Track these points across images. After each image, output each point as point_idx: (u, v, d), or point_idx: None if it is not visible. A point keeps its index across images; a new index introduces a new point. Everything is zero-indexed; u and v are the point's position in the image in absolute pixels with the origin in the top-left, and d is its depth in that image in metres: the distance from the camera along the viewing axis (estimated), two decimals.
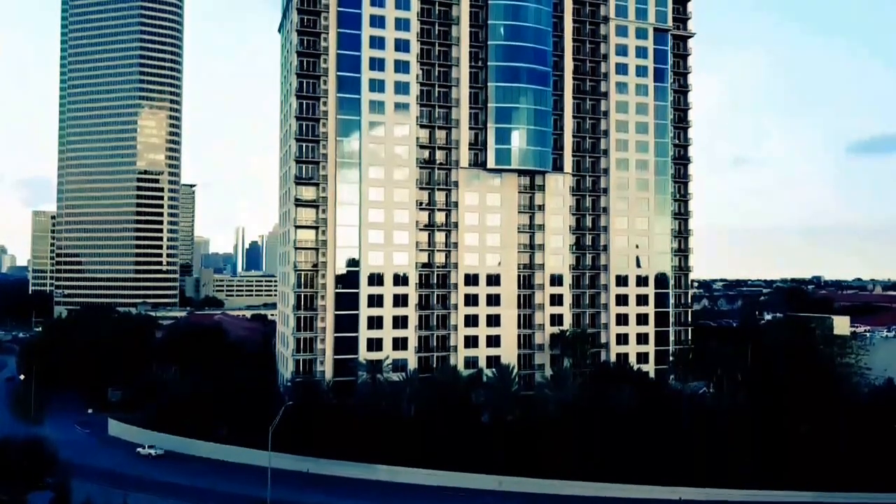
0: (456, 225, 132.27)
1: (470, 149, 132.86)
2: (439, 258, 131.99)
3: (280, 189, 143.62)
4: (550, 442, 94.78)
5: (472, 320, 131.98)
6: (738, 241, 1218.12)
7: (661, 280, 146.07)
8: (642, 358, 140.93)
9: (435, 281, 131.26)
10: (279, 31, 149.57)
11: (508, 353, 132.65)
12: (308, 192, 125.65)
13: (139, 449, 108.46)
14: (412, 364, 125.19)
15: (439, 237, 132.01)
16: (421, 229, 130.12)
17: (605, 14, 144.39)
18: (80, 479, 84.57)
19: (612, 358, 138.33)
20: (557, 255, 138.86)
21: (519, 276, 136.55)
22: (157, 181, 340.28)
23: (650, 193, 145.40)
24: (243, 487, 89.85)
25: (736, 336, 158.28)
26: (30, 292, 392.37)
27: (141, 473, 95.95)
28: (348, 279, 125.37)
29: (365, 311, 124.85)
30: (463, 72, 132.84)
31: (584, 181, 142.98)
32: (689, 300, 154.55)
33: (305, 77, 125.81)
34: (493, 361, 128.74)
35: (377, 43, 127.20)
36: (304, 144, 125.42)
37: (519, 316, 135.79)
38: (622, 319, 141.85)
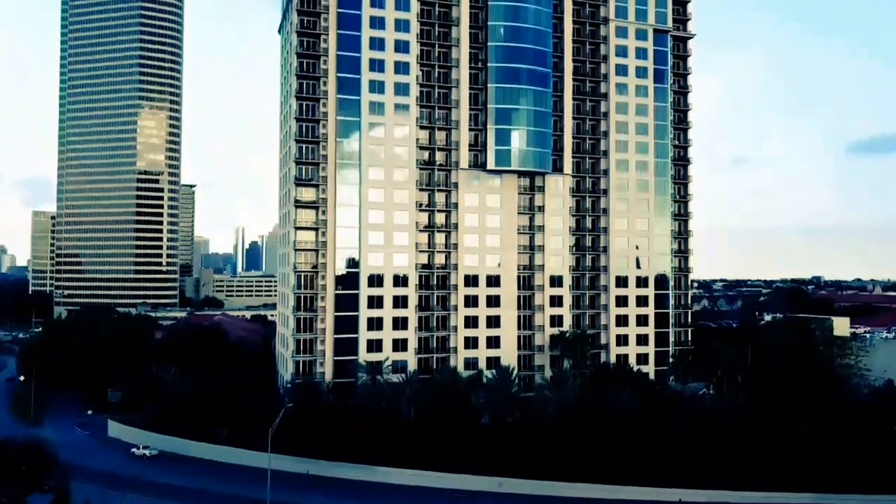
0: (456, 226, 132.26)
1: (470, 150, 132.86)
2: (439, 259, 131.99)
3: (280, 190, 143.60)
4: (550, 443, 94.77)
5: (471, 321, 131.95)
6: (738, 241, 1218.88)
7: (660, 281, 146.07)
8: (642, 359, 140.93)
9: (435, 282, 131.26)
10: (279, 32, 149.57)
11: (508, 354, 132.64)
12: (308, 194, 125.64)
13: (133, 450, 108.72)
14: (412, 365, 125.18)
15: (439, 238, 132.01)
16: (421, 230, 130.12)
17: (604, 15, 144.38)
18: (80, 480, 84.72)
19: (612, 359, 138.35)
20: (557, 257, 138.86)
21: (519, 277, 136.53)
22: (157, 181, 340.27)
23: (650, 194, 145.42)
24: (243, 489, 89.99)
25: (736, 337, 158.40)
26: (30, 292, 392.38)
27: (141, 475, 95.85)
28: (348, 280, 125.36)
29: (365, 313, 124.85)
30: (463, 73, 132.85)
31: (584, 182, 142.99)
32: (689, 301, 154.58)
33: (305, 78, 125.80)
34: (493, 363, 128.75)
35: (377, 44, 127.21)
36: (304, 146, 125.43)
37: (519, 317, 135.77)
38: (622, 321, 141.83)
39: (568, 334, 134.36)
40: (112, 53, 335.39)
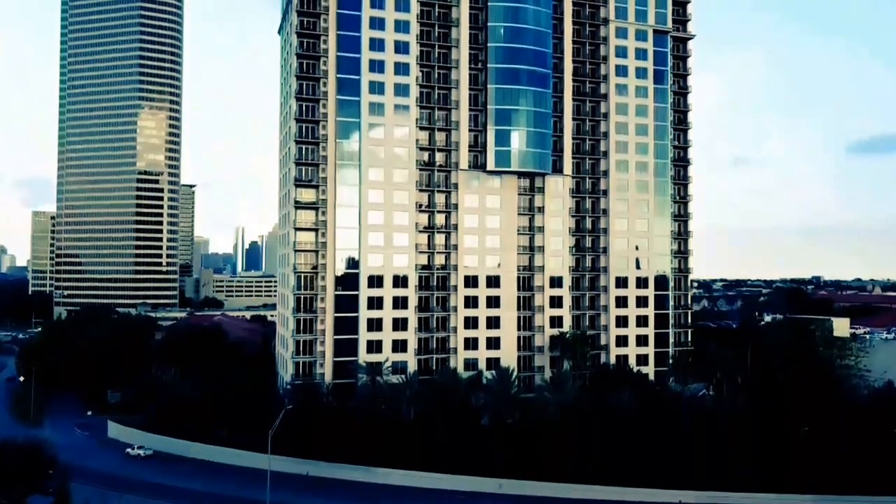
0: (455, 227, 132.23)
1: (470, 151, 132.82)
2: (439, 260, 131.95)
3: (280, 191, 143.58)
4: (550, 445, 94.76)
5: (471, 322, 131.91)
6: (738, 241, 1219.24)
7: (660, 282, 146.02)
8: (642, 360, 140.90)
9: (435, 283, 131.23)
10: (279, 32, 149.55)
11: (508, 355, 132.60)
12: (308, 195, 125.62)
13: (128, 450, 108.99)
14: (412, 366, 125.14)
15: (439, 239, 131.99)
16: (420, 231, 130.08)
17: (604, 16, 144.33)
18: (79, 481, 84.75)
19: (612, 360, 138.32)
20: (557, 257, 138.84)
21: (518, 278, 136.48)
22: (156, 181, 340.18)
23: (650, 195, 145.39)
24: (243, 490, 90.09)
25: (736, 338, 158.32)
26: (29, 293, 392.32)
27: (141, 477, 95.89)
28: (348, 281, 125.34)
29: (364, 314, 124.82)
30: (463, 74, 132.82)
31: (584, 183, 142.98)
32: (689, 302, 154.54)
33: (305, 79, 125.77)
34: (493, 363, 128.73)
35: (377, 45, 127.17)
36: (303, 146, 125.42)
37: (519, 318, 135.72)
38: (622, 321, 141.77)
39: (568, 335, 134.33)
40: (112, 53, 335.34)
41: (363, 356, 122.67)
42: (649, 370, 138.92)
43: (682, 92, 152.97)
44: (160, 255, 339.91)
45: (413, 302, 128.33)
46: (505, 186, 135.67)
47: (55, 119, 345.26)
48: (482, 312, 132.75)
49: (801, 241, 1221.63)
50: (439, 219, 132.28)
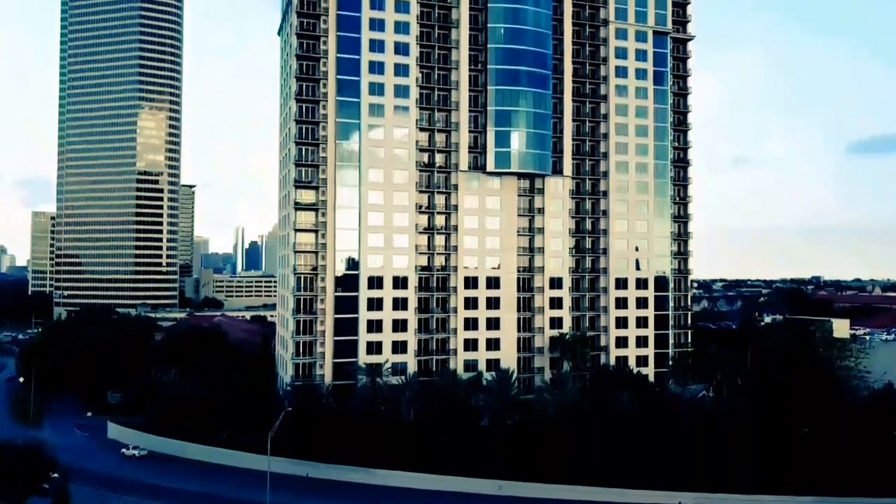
0: (455, 228, 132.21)
1: (469, 152, 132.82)
2: (439, 261, 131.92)
3: (280, 192, 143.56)
4: (550, 446, 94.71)
5: (471, 323, 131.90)
6: (738, 241, 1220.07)
7: (660, 283, 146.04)
8: (642, 361, 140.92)
9: (434, 284, 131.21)
10: (279, 34, 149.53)
11: (508, 356, 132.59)
12: (308, 196, 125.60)
13: (123, 450, 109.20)
14: (412, 367, 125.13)
15: (439, 240, 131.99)
16: (420, 232, 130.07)
17: (604, 17, 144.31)
18: (79, 482, 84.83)
19: (612, 361, 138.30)
20: (557, 258, 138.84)
21: (518, 279, 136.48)
22: (156, 182, 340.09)
23: (650, 196, 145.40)
24: (243, 492, 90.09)
25: (735, 339, 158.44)
26: (29, 293, 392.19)
27: (140, 478, 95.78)
28: (348, 282, 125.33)
29: (364, 315, 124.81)
30: (462, 75, 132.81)
31: (584, 184, 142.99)
32: (689, 303, 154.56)
33: (305, 80, 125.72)
34: (493, 365, 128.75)
35: (377, 46, 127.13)
36: (303, 148, 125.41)
37: (518, 319, 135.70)
38: (622, 322, 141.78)
39: (567, 336, 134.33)
40: (112, 53, 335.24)
41: (363, 357, 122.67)
42: (649, 371, 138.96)
43: (681, 93, 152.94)
44: (160, 256, 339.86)
45: (413, 303, 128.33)
46: (505, 188, 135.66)
47: (55, 119, 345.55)
48: (482, 314, 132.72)
49: (801, 241, 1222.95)
50: (439, 220, 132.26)
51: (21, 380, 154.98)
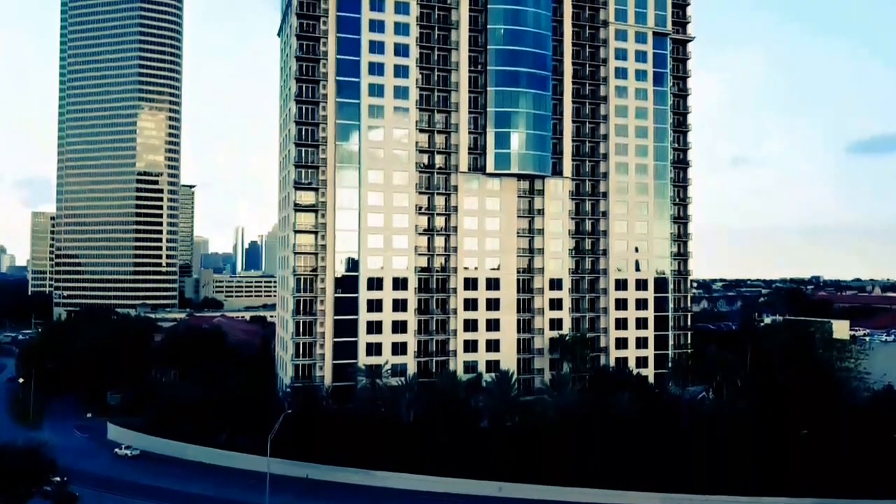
0: (455, 229, 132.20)
1: (469, 153, 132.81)
2: (438, 262, 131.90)
3: (279, 193, 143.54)
4: (550, 447, 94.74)
5: (471, 325, 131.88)
6: (738, 240, 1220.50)
7: (660, 284, 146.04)
8: (641, 362, 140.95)
9: (434, 285, 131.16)
10: (278, 35, 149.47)
11: (508, 357, 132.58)
12: (307, 197, 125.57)
13: (116, 450, 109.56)
14: (411, 369, 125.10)
15: (438, 241, 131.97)
16: (420, 233, 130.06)
17: (604, 18, 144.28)
18: (78, 484, 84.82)
19: (612, 362, 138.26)
20: (557, 260, 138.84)
21: (518, 280, 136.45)
22: (156, 182, 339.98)
23: (649, 197, 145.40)
24: (242, 493, 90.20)
25: (735, 340, 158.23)
26: (29, 293, 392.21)
27: (140, 480, 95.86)
28: (347, 284, 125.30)
29: (364, 316, 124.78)
30: (462, 76, 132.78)
31: (584, 185, 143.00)
32: (689, 304, 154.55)
33: (305, 82, 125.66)
34: (493, 366, 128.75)
35: (376, 47, 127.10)
36: (303, 149, 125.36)
37: (518, 320, 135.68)
38: (621, 323, 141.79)
39: (567, 337, 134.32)
40: (112, 54, 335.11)
41: (363, 359, 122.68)
42: (649, 372, 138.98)
43: (681, 94, 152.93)
44: (160, 256, 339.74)
45: (412, 304, 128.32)
46: (504, 189, 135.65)
47: (55, 119, 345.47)
48: (482, 315, 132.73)
49: (801, 241, 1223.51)
50: (439, 221, 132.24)
51: (21, 380, 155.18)
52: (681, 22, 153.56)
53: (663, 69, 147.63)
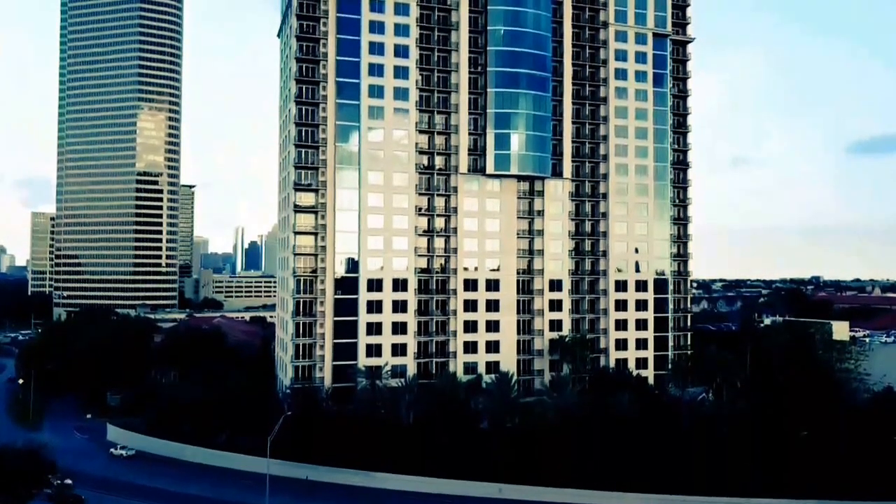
0: (455, 230, 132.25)
1: (469, 154, 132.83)
2: (438, 263, 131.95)
3: (279, 194, 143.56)
4: (550, 449, 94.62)
5: (471, 326, 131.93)
6: (738, 241, 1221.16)
7: (660, 285, 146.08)
8: (641, 363, 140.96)
9: (434, 286, 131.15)
10: (278, 35, 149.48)
11: (507, 358, 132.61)
12: (307, 198, 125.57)
13: (112, 450, 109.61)
14: (411, 370, 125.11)
15: (438, 243, 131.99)
16: (420, 235, 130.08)
17: (604, 19, 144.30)
18: (79, 486, 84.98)
19: (612, 363, 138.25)
20: (557, 261, 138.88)
21: (518, 281, 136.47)
22: (156, 182, 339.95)
23: (649, 198, 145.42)
24: (242, 494, 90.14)
25: (735, 341, 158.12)
26: (29, 293, 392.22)
27: (140, 481, 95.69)
28: (347, 285, 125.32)
29: (364, 317, 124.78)
30: (462, 77, 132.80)
31: (584, 186, 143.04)
32: (689, 305, 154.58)
33: (304, 83, 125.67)
34: (493, 367, 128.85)
35: (376, 49, 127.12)
36: (303, 150, 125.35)
37: (518, 321, 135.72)
38: (621, 325, 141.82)
39: (567, 339, 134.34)
40: (112, 53, 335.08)
41: (363, 360, 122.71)
42: (649, 374, 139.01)
43: (681, 95, 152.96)
44: (160, 256, 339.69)
45: (412, 306, 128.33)
46: (504, 190, 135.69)
47: (55, 119, 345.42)
48: (481, 316, 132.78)
49: (801, 241, 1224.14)
50: (439, 222, 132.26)
51: (20, 381, 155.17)
52: (681, 23, 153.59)
53: (663, 70, 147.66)
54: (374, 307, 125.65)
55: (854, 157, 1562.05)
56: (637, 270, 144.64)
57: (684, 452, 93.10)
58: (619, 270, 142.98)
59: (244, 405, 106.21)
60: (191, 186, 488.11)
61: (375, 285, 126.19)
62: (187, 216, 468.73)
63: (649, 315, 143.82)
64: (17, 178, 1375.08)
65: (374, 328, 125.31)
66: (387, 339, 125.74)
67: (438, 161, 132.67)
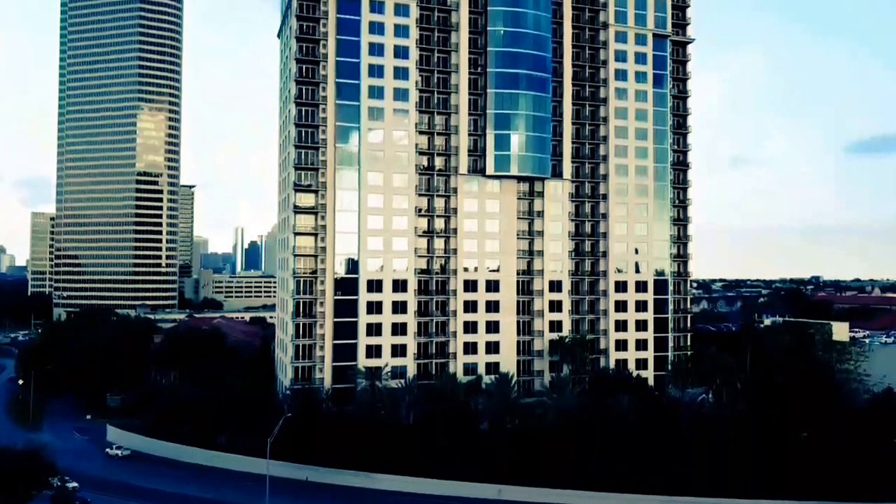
0: (455, 231, 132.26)
1: (469, 155, 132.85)
2: (438, 264, 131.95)
3: (279, 195, 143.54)
4: (550, 450, 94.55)
5: (471, 327, 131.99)
6: (738, 240, 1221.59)
7: (660, 286, 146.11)
8: (641, 364, 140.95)
9: (434, 287, 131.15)
10: (278, 36, 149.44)
11: (507, 359, 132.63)
12: (307, 199, 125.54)
13: (107, 450, 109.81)
14: (411, 371, 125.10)
15: (438, 243, 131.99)
16: (420, 236, 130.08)
17: (604, 20, 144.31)
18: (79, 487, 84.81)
19: (612, 364, 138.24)
20: (556, 261, 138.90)
21: (518, 282, 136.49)
22: (156, 182, 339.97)
23: (649, 199, 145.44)
24: (242, 496, 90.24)
25: (735, 341, 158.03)
26: (29, 294, 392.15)
27: (140, 483, 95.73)
28: (347, 286, 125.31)
29: (364, 318, 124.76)
30: (462, 78, 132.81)
31: (584, 187, 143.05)
32: (689, 305, 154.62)
33: (304, 84, 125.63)
34: (493, 368, 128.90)
35: (376, 50, 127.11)
36: (303, 151, 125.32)
37: (518, 322, 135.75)
38: (621, 325, 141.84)
39: (567, 339, 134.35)
40: (112, 54, 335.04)
41: (362, 361, 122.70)
42: (648, 374, 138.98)
43: (681, 96, 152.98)
44: (160, 256, 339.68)
45: (412, 306, 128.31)
46: (504, 191, 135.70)
47: (55, 119, 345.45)
48: (481, 317, 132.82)
49: (801, 241, 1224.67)
50: (438, 223, 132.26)
51: (20, 381, 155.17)
52: (681, 24, 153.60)
53: (663, 71, 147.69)
54: (374, 308, 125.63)
55: (854, 156, 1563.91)
56: (637, 271, 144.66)
57: (684, 453, 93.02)
58: (619, 271, 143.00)
59: (244, 406, 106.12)
60: (191, 186, 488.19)
61: (375, 286, 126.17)
62: (187, 216, 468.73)
63: (649, 316, 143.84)
64: (17, 178, 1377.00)
65: (374, 329, 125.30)
66: (387, 340, 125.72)
67: (438, 162, 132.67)
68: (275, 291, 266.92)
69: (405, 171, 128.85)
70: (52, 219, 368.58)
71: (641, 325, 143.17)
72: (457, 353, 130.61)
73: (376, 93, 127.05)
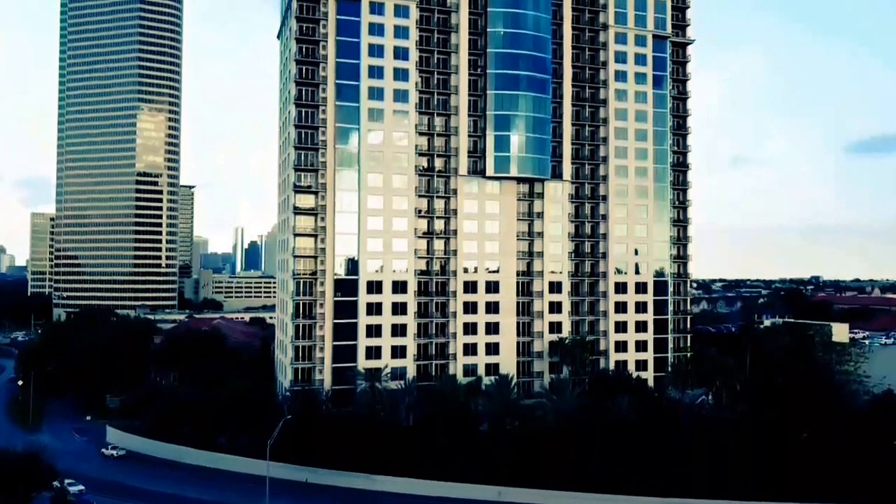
0: (455, 232, 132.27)
1: (469, 156, 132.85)
2: (438, 265, 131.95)
3: (279, 196, 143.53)
4: (550, 452, 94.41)
5: (470, 328, 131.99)
6: (738, 240, 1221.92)
7: (659, 287, 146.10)
8: (641, 365, 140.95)
9: (434, 289, 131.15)
10: (278, 37, 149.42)
11: (507, 360, 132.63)
12: (307, 201, 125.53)
13: (103, 450, 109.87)
14: (411, 372, 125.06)
15: (438, 245, 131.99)
16: (420, 237, 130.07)
17: (604, 21, 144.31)
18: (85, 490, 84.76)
19: (611, 365, 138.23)
20: (556, 263, 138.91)
21: (518, 283, 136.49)
22: (156, 182, 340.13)
23: (649, 200, 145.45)
24: (241, 497, 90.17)
25: (735, 342, 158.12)
26: (28, 294, 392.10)
27: (139, 484, 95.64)
28: (347, 287, 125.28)
29: (364, 320, 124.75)
30: (462, 79, 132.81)
31: (583, 188, 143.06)
32: (688, 306, 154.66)
33: (304, 85, 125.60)
34: (492, 369, 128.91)
35: (376, 51, 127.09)
36: (302, 152, 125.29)
37: (518, 324, 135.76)
38: (621, 327, 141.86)
39: (567, 340, 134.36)
40: (111, 54, 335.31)
41: (362, 362, 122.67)
42: (648, 375, 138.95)
43: (681, 97, 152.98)
44: (159, 257, 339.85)
45: (412, 308, 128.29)
46: (504, 192, 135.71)
47: (55, 119, 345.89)
48: (481, 318, 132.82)
49: (801, 241, 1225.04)
50: (438, 224, 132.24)
51: (20, 382, 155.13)
52: (680, 25, 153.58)
53: (663, 72, 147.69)
54: (374, 309, 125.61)
55: (854, 156, 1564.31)
56: (637, 272, 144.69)
57: (684, 455, 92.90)
58: (619, 272, 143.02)
59: (244, 407, 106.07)
60: (191, 186, 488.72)
61: (375, 287, 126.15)
62: (187, 216, 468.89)
63: (649, 317, 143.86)
64: (17, 178, 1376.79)
65: (374, 330, 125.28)
66: (386, 342, 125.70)
67: (438, 163, 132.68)
68: (275, 292, 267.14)
69: (405, 172, 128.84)
70: (52, 219, 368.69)
71: (641, 327, 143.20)
72: (457, 355, 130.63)
73: (376, 94, 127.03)
